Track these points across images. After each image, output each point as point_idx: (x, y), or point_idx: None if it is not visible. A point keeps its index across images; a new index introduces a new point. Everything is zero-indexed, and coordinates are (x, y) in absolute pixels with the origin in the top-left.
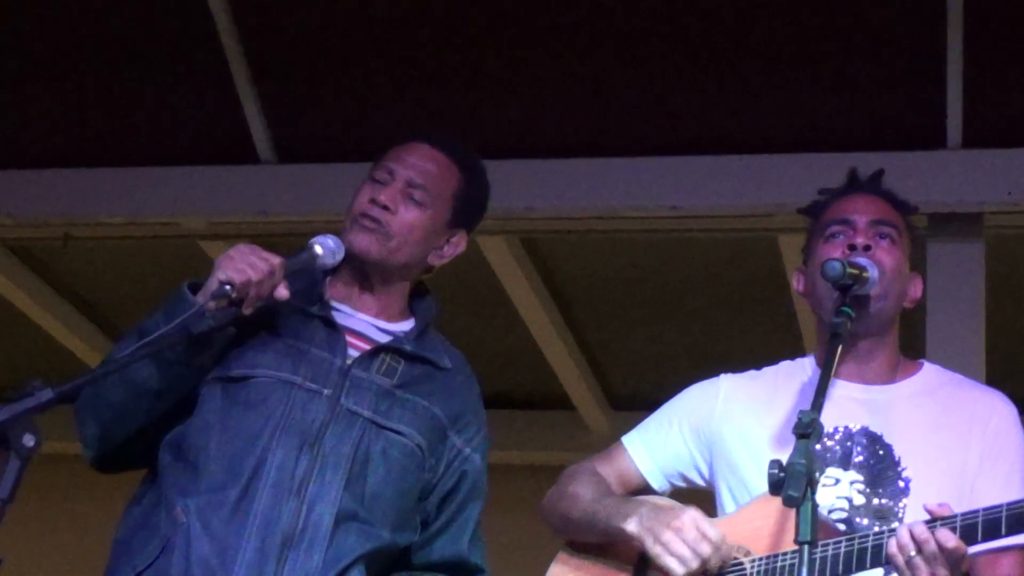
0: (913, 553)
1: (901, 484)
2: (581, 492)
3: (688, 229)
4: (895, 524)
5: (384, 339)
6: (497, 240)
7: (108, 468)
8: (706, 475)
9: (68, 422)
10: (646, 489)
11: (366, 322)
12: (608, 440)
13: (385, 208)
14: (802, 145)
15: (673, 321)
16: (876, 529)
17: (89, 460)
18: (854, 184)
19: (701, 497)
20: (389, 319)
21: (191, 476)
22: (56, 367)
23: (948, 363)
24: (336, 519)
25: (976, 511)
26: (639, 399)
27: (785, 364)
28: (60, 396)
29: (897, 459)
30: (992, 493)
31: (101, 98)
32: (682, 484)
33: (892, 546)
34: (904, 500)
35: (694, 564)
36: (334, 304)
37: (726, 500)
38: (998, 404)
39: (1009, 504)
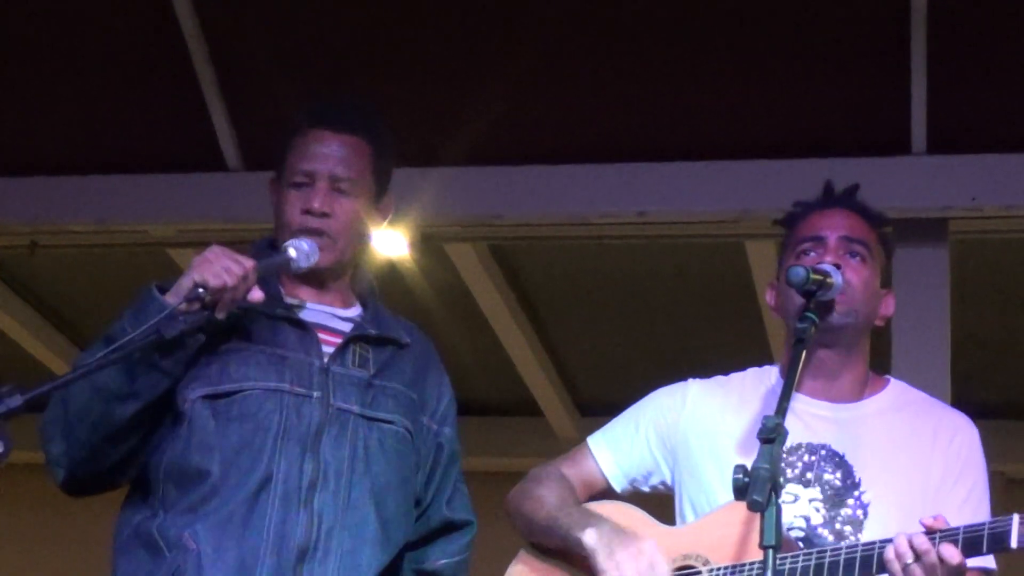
0: (910, 561)
1: (860, 506)
2: (546, 496)
3: (655, 235)
4: (865, 538)
5: (345, 327)
6: (465, 247)
7: (78, 489)
8: (668, 480)
9: None
10: (609, 491)
11: (326, 312)
12: (576, 446)
13: (324, 215)
14: (768, 151)
15: (641, 327)
16: (850, 541)
17: (59, 482)
18: (828, 198)
19: (661, 501)
20: (343, 304)
21: (197, 500)
22: (23, 376)
23: (913, 369)
24: (347, 526)
25: (957, 529)
26: (607, 405)
27: (752, 371)
28: (29, 401)
29: (858, 480)
30: (952, 513)
31: (68, 105)
32: (645, 488)
33: (889, 552)
34: (863, 521)
35: None
36: (291, 301)
37: (686, 508)
38: (961, 424)
39: (991, 523)
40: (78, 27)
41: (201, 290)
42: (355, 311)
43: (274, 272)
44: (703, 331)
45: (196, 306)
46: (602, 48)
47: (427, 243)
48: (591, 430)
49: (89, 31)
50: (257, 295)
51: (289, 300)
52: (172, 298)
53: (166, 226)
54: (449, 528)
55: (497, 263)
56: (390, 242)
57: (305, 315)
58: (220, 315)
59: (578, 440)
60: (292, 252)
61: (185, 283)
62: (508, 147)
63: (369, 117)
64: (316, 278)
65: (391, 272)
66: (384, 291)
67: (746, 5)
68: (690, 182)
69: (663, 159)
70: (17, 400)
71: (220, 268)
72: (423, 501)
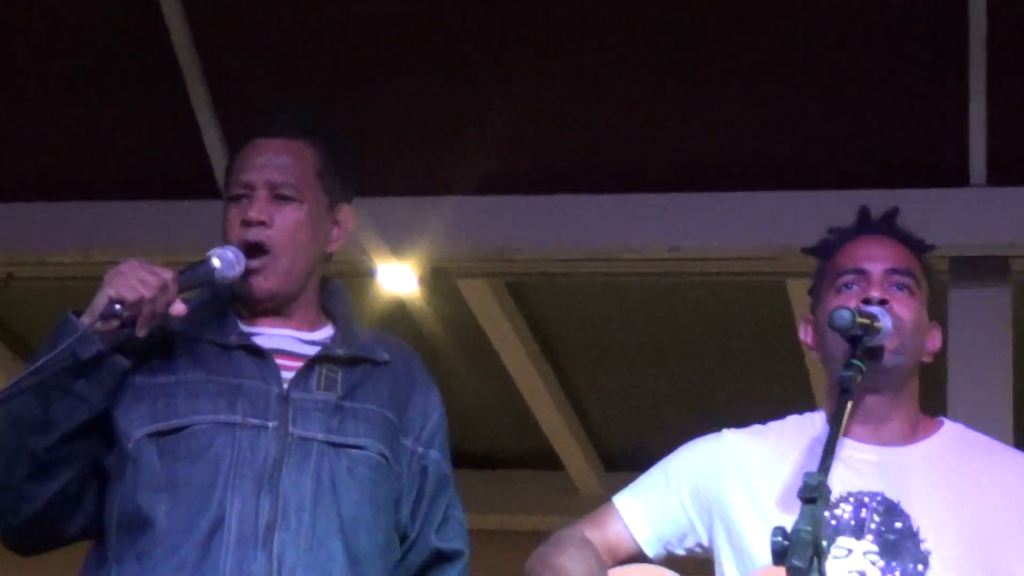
0: None
1: (920, 557)
2: (567, 566)
3: (688, 272)
4: None
5: (310, 351)
6: (479, 283)
7: (19, 544)
8: (705, 541)
9: None
10: (639, 556)
11: (289, 337)
12: (600, 503)
13: (261, 224)
14: (813, 181)
15: (672, 374)
16: None
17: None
18: (866, 224)
19: (700, 566)
20: (311, 328)
21: (145, 548)
22: None
23: (972, 418)
24: (311, 567)
25: None
26: (634, 459)
27: (793, 419)
28: None
29: (916, 530)
30: (1017, 567)
31: (48, 127)
32: (680, 551)
33: None
34: (924, 573)
35: None
36: (250, 329)
37: (728, 570)
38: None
39: None
40: (60, 43)
41: (117, 306)
42: (324, 333)
43: (196, 284)
44: (740, 377)
45: (114, 324)
46: (631, 67)
47: (438, 279)
48: (616, 485)
49: (73, 47)
50: (179, 308)
51: (244, 327)
52: (87, 318)
53: (154, 257)
54: (439, 559)
55: (514, 301)
56: (398, 277)
57: (263, 341)
58: (140, 332)
59: (602, 496)
60: (215, 261)
61: (99, 300)
62: (527, 174)
63: (309, 119)
64: (270, 305)
65: (398, 310)
66: (391, 331)
67: (787, 25)
68: (727, 214)
69: (697, 189)
70: None
71: (135, 281)
72: (409, 534)
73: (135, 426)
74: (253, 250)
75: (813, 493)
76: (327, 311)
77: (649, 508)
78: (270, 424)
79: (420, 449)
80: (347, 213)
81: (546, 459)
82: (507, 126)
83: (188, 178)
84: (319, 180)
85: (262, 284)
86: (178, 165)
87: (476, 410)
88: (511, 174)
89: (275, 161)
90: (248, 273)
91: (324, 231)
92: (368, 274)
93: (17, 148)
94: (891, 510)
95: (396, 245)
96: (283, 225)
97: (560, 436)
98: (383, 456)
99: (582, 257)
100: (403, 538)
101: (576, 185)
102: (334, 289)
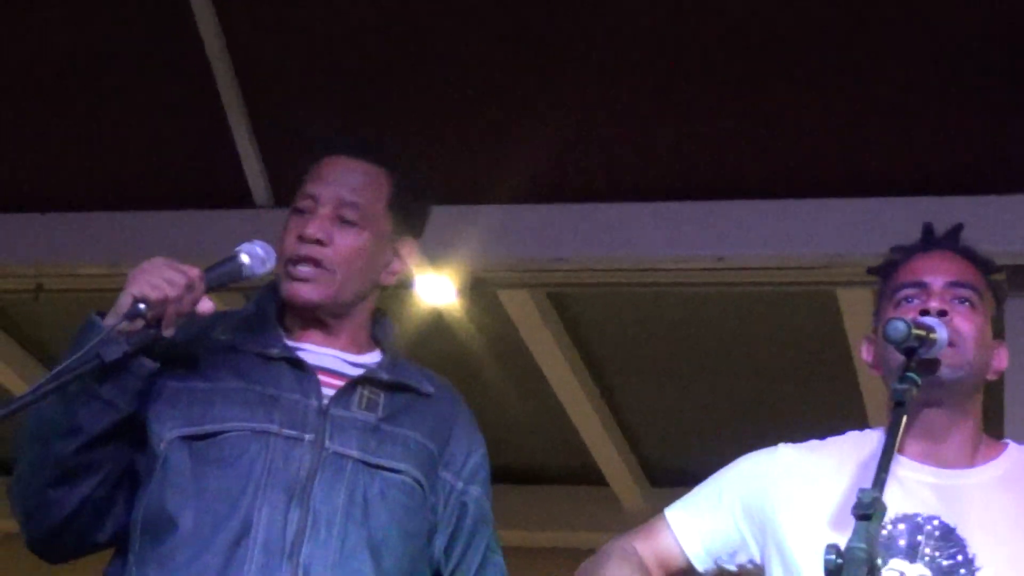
0: None
1: None
2: None
3: (735, 283)
4: None
5: (355, 372)
6: (520, 294)
7: (47, 551)
8: (757, 558)
9: None
10: (689, 571)
11: (334, 357)
12: (645, 520)
13: (317, 242)
14: (863, 188)
15: (718, 387)
16: None
17: (26, 544)
18: (929, 240)
19: None
20: (358, 351)
21: (168, 553)
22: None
23: None
24: None
25: None
26: (680, 474)
27: (852, 435)
28: None
29: (971, 557)
30: None
31: (78, 136)
32: (730, 567)
33: None
34: None
35: None
36: (294, 344)
37: None
38: None
39: None
40: (91, 53)
41: (141, 305)
42: (371, 358)
43: (225, 281)
44: (789, 390)
45: (139, 324)
46: (675, 74)
47: (478, 289)
48: (661, 501)
49: (104, 56)
50: (207, 306)
51: (289, 343)
52: (111, 319)
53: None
54: None
55: (556, 312)
56: (436, 288)
57: (307, 357)
58: (167, 332)
59: (647, 512)
60: (244, 258)
61: (123, 300)
62: (569, 182)
63: (392, 150)
64: (316, 319)
65: (437, 322)
66: (429, 343)
67: (836, 30)
68: (775, 223)
69: (745, 196)
70: None
71: (159, 279)
72: (443, 572)
73: (168, 428)
74: (303, 262)
75: (867, 510)
76: (376, 340)
77: (701, 522)
78: (306, 437)
79: (460, 484)
80: (411, 248)
81: (589, 475)
82: (550, 133)
83: (221, 187)
84: (389, 210)
85: (304, 291)
86: (210, 174)
87: (517, 424)
88: (553, 182)
89: (347, 180)
90: (294, 279)
91: (383, 262)
92: (406, 285)
93: (45, 158)
94: (947, 536)
95: (435, 255)
96: (341, 248)
97: (604, 451)
98: (418, 483)
99: (626, 267)
100: (436, 573)
101: (620, 193)
102: (385, 322)
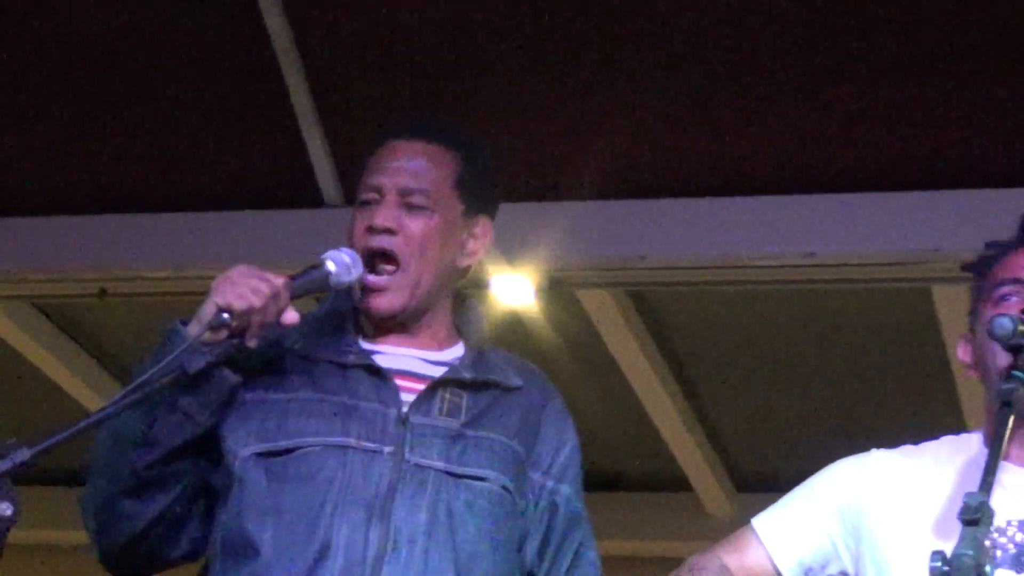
0: None
1: None
2: None
3: (826, 279)
4: None
5: (437, 373)
6: (600, 294)
7: (118, 567)
8: (851, 569)
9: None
10: None
11: (413, 357)
12: (731, 526)
13: (387, 231)
14: (958, 180)
15: (807, 388)
16: None
17: (98, 558)
18: None
19: None
20: (438, 347)
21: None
22: (87, 442)
23: None
24: None
25: None
26: (768, 479)
27: (948, 439)
28: (38, 455)
29: None
30: None
31: (142, 136)
32: None
33: None
34: None
35: None
36: (371, 348)
37: None
38: None
39: None
40: (154, 51)
41: (225, 315)
42: (453, 353)
43: (310, 290)
44: (882, 391)
45: (223, 334)
46: (762, 64)
47: (556, 289)
48: (749, 508)
49: (171, 56)
50: (292, 317)
51: (365, 345)
52: (194, 328)
53: None
54: None
55: (638, 313)
56: (513, 289)
57: (384, 361)
58: (251, 343)
59: (734, 519)
60: (330, 265)
61: (207, 310)
62: (651, 177)
63: (453, 128)
64: (396, 322)
65: (514, 323)
66: (506, 346)
67: (931, 19)
68: (867, 217)
69: (835, 190)
70: (24, 454)
71: (245, 288)
72: (536, 574)
73: (242, 445)
74: (378, 258)
75: (975, 515)
76: (459, 329)
77: (791, 532)
78: (385, 449)
79: (550, 484)
80: (486, 226)
81: (674, 480)
82: (631, 126)
83: (289, 186)
84: (456, 189)
85: (383, 303)
86: (279, 172)
87: (598, 429)
88: (634, 177)
89: (409, 165)
90: (369, 291)
91: (458, 244)
92: (482, 285)
93: (108, 159)
94: None
95: (511, 254)
96: (412, 234)
97: (689, 456)
98: (506, 489)
99: (711, 264)
100: None
101: (704, 188)
102: (467, 305)
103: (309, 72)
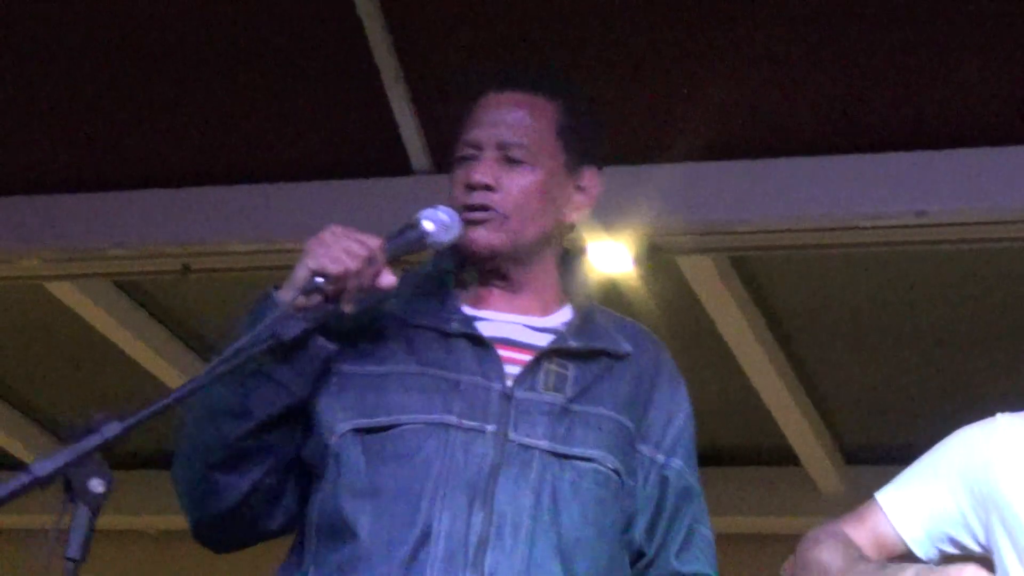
0: None
1: None
2: (829, 560)
3: (939, 240)
4: None
5: (541, 340)
6: (702, 260)
7: (211, 539)
8: (982, 539)
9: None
10: (908, 558)
11: (516, 324)
12: (842, 501)
13: (487, 188)
14: None
15: (920, 354)
16: None
17: (191, 532)
18: None
19: None
20: (542, 312)
21: (345, 561)
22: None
23: None
24: None
25: None
26: (880, 452)
27: None
28: (129, 428)
29: None
30: None
31: (227, 107)
32: (953, 550)
33: None
34: None
35: None
36: (473, 313)
37: (1012, 570)
38: None
39: None
40: (237, 18)
41: (320, 279)
42: (559, 318)
43: (407, 251)
44: (999, 357)
45: (317, 299)
46: (869, 18)
47: (655, 256)
48: (860, 482)
49: (250, 20)
50: (388, 280)
51: (467, 310)
52: (286, 293)
53: None
54: None
55: (741, 279)
56: (610, 256)
57: (487, 328)
58: (347, 308)
59: (843, 494)
60: (427, 224)
61: (300, 274)
62: (753, 136)
63: (550, 72)
64: (498, 274)
65: (612, 292)
66: None
67: None
68: (982, 173)
69: (947, 146)
70: (115, 428)
71: (339, 251)
72: (647, 552)
73: (340, 419)
74: (473, 211)
75: None
76: (565, 290)
77: (918, 504)
78: (488, 428)
79: (661, 457)
80: (593, 177)
81: (781, 454)
82: (730, 85)
83: (376, 154)
84: (559, 140)
85: (483, 237)
86: (366, 140)
87: (701, 401)
88: (736, 136)
89: (507, 118)
90: (468, 225)
91: (563, 198)
92: (578, 252)
93: (190, 130)
94: None
95: (608, 220)
96: (512, 189)
97: (796, 428)
98: (614, 471)
99: (817, 227)
100: (639, 555)
101: (809, 147)
102: (573, 264)
103: (396, 38)
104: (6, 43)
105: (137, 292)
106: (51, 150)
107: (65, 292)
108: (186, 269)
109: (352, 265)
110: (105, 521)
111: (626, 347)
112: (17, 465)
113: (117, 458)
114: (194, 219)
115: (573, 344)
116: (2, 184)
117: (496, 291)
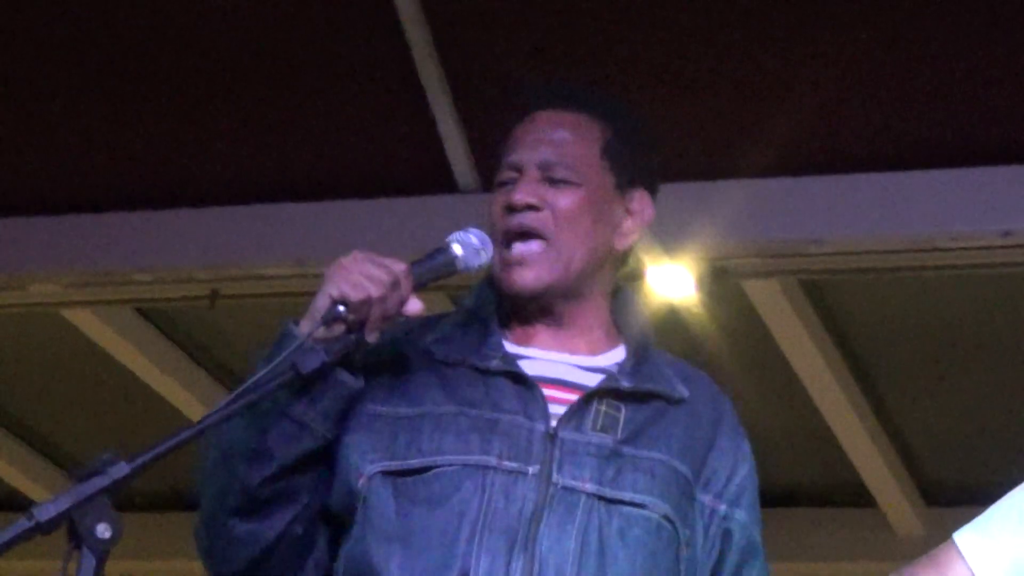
0: None
1: None
2: None
3: None
4: None
5: (592, 381)
6: (769, 284)
7: None
8: None
9: None
10: None
11: (564, 364)
12: (920, 545)
13: (530, 208)
14: None
15: (1006, 388)
16: None
17: None
18: None
19: None
20: (593, 350)
21: None
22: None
23: None
24: None
25: None
26: (962, 492)
27: None
28: (138, 470)
29: None
30: None
31: (263, 122)
32: None
33: None
34: None
35: None
36: (517, 351)
37: None
38: None
39: None
40: (278, 32)
41: (341, 307)
42: (611, 358)
43: (435, 277)
44: None
45: (339, 329)
46: (950, 29)
47: (719, 280)
48: (941, 525)
49: (292, 35)
50: (415, 306)
51: (511, 348)
52: (306, 324)
53: None
54: None
55: (812, 305)
56: (671, 280)
57: (532, 367)
58: (371, 337)
59: (923, 537)
60: (456, 248)
61: (320, 302)
62: (824, 151)
63: (596, 90)
64: (543, 310)
65: (672, 319)
66: (664, 343)
67: None
68: None
69: None
70: (123, 469)
71: (360, 277)
72: None
73: (369, 460)
74: (520, 239)
75: None
76: (618, 328)
77: (999, 550)
78: (530, 469)
79: (723, 508)
80: (644, 199)
81: (855, 493)
82: (801, 96)
83: (422, 171)
84: (604, 159)
85: (523, 279)
86: (410, 157)
87: (769, 437)
88: (806, 152)
89: (550, 137)
90: (508, 264)
91: (612, 221)
92: (636, 277)
93: (223, 146)
94: None
95: (669, 241)
96: (559, 210)
97: (872, 466)
98: (667, 519)
99: (894, 248)
100: None
101: (885, 162)
102: (626, 298)
103: (442, 53)
104: (26, 60)
105: (162, 320)
106: (70, 167)
107: (84, 320)
108: (215, 295)
109: (375, 291)
110: (113, 567)
111: (682, 391)
112: None
113: (126, 500)
114: (224, 241)
115: (625, 385)
116: (17, 204)
117: (542, 326)
